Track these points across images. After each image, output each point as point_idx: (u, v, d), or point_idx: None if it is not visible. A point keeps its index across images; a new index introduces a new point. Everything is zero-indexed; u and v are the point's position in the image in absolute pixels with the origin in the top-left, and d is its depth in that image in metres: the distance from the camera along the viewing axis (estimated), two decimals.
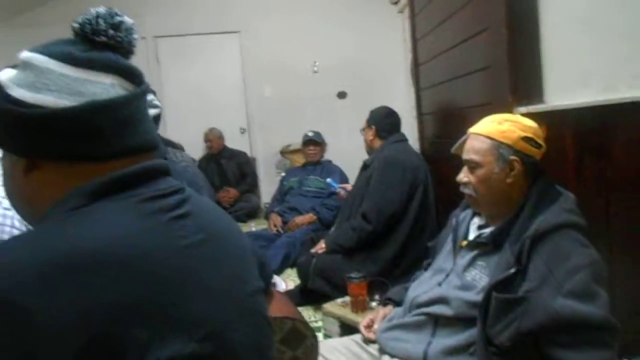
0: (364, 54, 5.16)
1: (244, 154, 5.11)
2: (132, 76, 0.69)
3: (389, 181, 2.52)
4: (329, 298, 2.40)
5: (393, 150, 2.67)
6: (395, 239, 2.51)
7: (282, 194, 4.07)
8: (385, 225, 2.49)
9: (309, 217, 3.67)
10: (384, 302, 1.77)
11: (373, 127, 2.79)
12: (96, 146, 0.64)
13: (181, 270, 0.63)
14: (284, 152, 5.13)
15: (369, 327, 1.63)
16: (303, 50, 5.23)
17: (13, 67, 0.69)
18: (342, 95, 5.30)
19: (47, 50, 0.66)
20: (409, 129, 3.16)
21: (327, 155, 4.15)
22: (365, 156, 2.85)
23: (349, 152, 4.36)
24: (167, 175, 0.71)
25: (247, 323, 0.71)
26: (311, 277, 2.50)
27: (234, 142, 5.19)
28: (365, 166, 2.76)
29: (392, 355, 1.47)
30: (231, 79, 5.31)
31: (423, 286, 1.53)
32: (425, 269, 1.69)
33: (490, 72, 1.92)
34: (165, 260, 0.62)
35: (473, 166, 1.39)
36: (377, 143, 2.77)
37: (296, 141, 4.50)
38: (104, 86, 0.65)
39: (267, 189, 5.28)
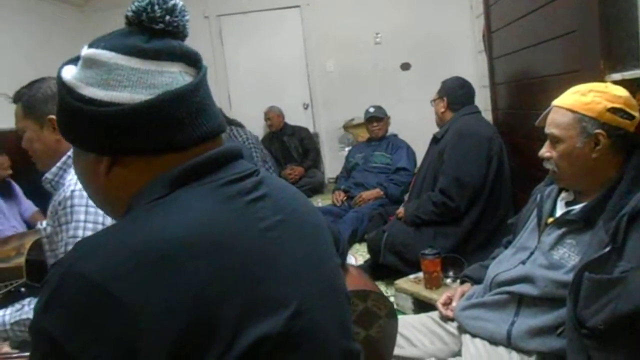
0: (427, 23, 4.97)
1: (306, 129, 5.12)
2: (195, 61, 0.69)
3: (465, 154, 2.44)
4: (399, 273, 2.39)
5: (466, 122, 2.58)
6: (469, 215, 2.44)
7: (347, 170, 4.05)
8: (468, 200, 2.42)
9: (376, 192, 3.64)
10: (461, 280, 1.73)
11: (445, 98, 2.69)
12: (176, 136, 0.65)
13: (264, 252, 0.64)
14: (347, 127, 5.09)
15: (446, 304, 1.61)
16: (365, 22, 5.11)
17: (71, 62, 0.69)
18: (405, 66, 5.15)
19: (111, 45, 0.65)
20: (476, 100, 3.03)
21: (392, 129, 4.07)
22: (434, 128, 2.77)
23: (414, 124, 4.27)
24: (240, 158, 0.71)
25: (329, 300, 0.72)
26: (382, 252, 2.48)
27: (297, 118, 5.21)
28: (436, 139, 2.68)
29: (472, 334, 1.45)
30: (293, 55, 5.30)
31: (504, 264, 1.48)
32: (505, 247, 1.63)
33: (577, 36, 1.79)
34: (247, 243, 0.63)
35: (555, 141, 1.32)
36: (449, 115, 2.68)
37: (359, 115, 4.44)
38: (173, 75, 0.65)
39: (331, 164, 5.29)
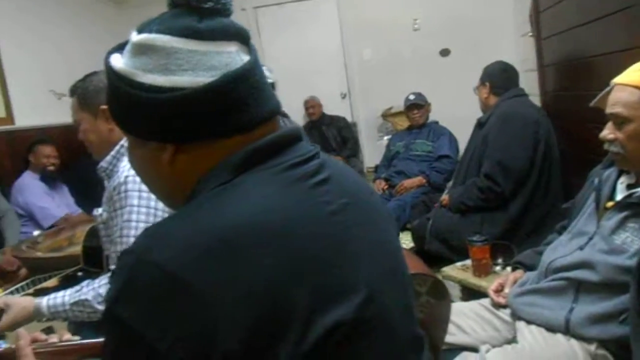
0: (467, 7, 4.84)
1: (343, 118, 5.10)
2: (247, 38, 0.67)
3: (510, 137, 2.38)
4: (445, 261, 2.35)
5: (511, 105, 2.51)
6: (517, 200, 2.37)
7: (388, 159, 4.01)
8: (514, 184, 2.36)
9: (418, 180, 3.60)
10: (513, 267, 1.69)
11: (487, 83, 2.63)
12: (241, 118, 0.63)
13: (331, 237, 0.62)
14: (386, 115, 5.04)
15: (498, 291, 1.57)
16: (402, 8, 5.03)
17: (116, 51, 0.67)
18: (445, 52, 5.05)
19: (165, 28, 0.62)
20: (521, 83, 2.94)
21: (432, 116, 4.00)
22: (475, 115, 2.71)
23: (455, 111, 4.18)
24: (300, 140, 0.69)
25: (396, 285, 0.70)
26: (428, 239, 2.45)
27: (334, 107, 5.19)
28: (480, 124, 2.63)
29: (527, 321, 1.41)
30: (330, 45, 5.28)
31: (560, 250, 1.43)
32: (560, 233, 1.58)
33: (636, 10, 1.70)
34: (315, 228, 0.61)
35: (620, 121, 1.25)
36: (493, 100, 2.61)
37: (398, 103, 4.38)
38: (231, 55, 0.63)
39: (370, 153, 5.25)
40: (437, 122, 3.93)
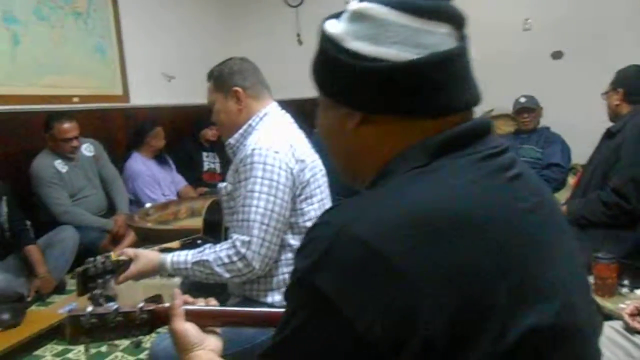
0: (585, 5, 4.52)
1: None
2: (462, 24, 0.65)
3: None
4: None
5: None
6: None
7: None
8: None
9: None
10: None
11: (620, 90, 2.42)
12: (435, 101, 0.62)
13: (528, 235, 0.59)
14: None
15: (633, 315, 1.44)
16: (513, 7, 4.79)
17: (333, 17, 0.68)
18: (557, 55, 4.74)
19: (385, 0, 0.62)
20: None
21: (542, 121, 3.77)
22: (591, 122, 2.50)
23: (567, 118, 3.92)
24: (491, 132, 0.66)
25: (583, 294, 0.65)
26: None
27: None
28: (610, 134, 2.42)
29: None
30: None
31: None
32: None
33: None
34: (513, 223, 0.59)
35: None
36: (625, 108, 2.40)
37: (499, 105, 4.18)
38: (441, 36, 0.62)
39: None
40: (548, 128, 3.70)
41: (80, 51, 3.82)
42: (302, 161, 1.45)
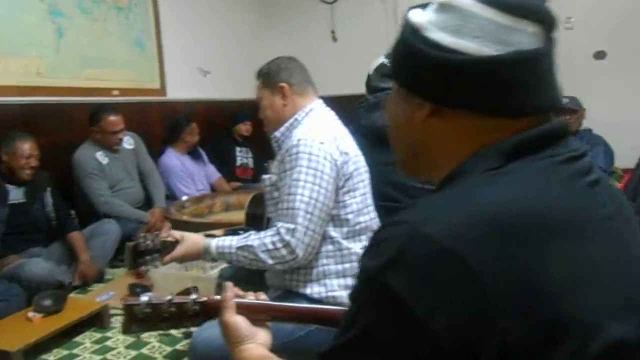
0: (629, 4, 4.36)
1: None
2: (551, 25, 0.62)
3: None
4: None
5: None
6: None
7: None
8: None
9: None
10: None
11: None
12: (511, 100, 0.60)
13: (609, 243, 0.57)
14: None
15: None
16: (555, 5, 4.61)
17: (419, 6, 0.68)
18: (600, 55, 4.60)
19: None
20: None
21: (584, 123, 3.67)
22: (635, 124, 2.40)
23: (609, 120, 3.80)
24: (569, 136, 0.64)
25: None
26: None
27: None
28: None
29: None
30: None
31: None
32: None
33: None
34: (595, 230, 0.57)
35: None
36: None
37: None
38: (527, 35, 0.60)
39: None
40: (590, 130, 3.60)
41: (121, 45, 3.89)
42: (346, 153, 1.47)
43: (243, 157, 4.69)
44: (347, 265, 1.46)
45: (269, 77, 1.60)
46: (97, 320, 2.37)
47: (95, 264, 2.96)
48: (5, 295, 2.26)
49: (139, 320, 0.85)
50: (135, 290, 2.69)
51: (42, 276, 2.54)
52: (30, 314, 2.22)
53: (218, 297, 0.88)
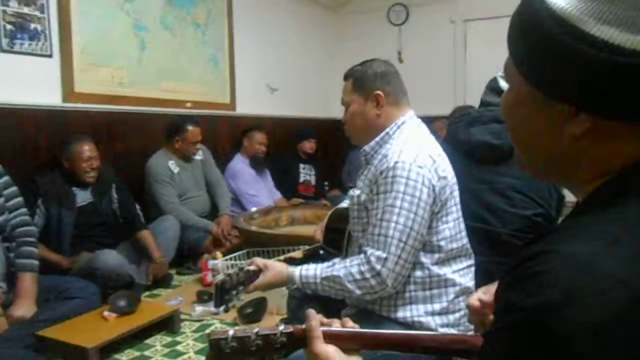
0: None
1: None
2: None
3: None
4: None
5: None
6: None
7: None
8: None
9: None
10: None
11: None
12: None
13: None
14: None
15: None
16: None
17: None
18: None
19: None
20: None
21: None
22: None
23: None
24: None
25: None
26: None
27: None
28: None
29: None
30: None
31: None
32: None
33: None
34: None
35: None
36: None
37: None
38: None
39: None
40: None
41: (196, 59, 4.02)
42: (444, 178, 1.38)
43: (306, 174, 4.69)
44: (435, 292, 1.38)
45: (362, 81, 1.48)
46: (167, 324, 2.38)
47: (166, 263, 3.00)
48: (83, 293, 2.31)
49: (225, 355, 0.82)
50: (203, 297, 2.70)
51: (116, 266, 2.58)
52: (106, 313, 2.26)
53: (302, 326, 0.83)
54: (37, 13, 2.87)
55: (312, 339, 0.79)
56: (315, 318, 0.81)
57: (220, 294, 1.36)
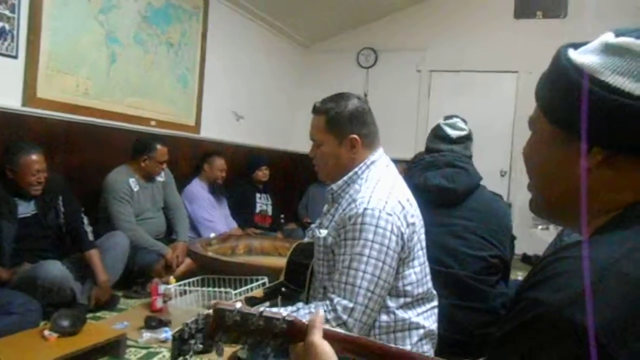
0: None
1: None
2: None
3: None
4: None
5: None
6: None
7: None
8: None
9: None
10: None
11: None
12: None
13: None
14: None
15: None
16: None
17: (571, 46, 0.65)
18: None
19: None
20: None
21: None
22: None
23: None
24: None
25: None
26: None
27: (492, 184, 4.98)
28: None
29: None
30: (500, 119, 5.18)
31: None
32: None
33: None
34: None
35: None
36: None
37: None
38: None
39: (520, 241, 4.92)
40: None
41: (166, 79, 3.97)
42: (413, 224, 1.37)
43: (263, 204, 4.65)
44: (399, 335, 1.37)
45: (337, 123, 1.43)
46: (112, 349, 2.24)
47: (109, 287, 2.85)
48: (22, 309, 2.15)
49: (226, 327, 0.79)
50: (151, 323, 2.57)
51: (59, 278, 2.42)
52: (47, 333, 2.10)
53: (304, 320, 0.82)
54: (6, 12, 2.77)
55: (313, 329, 0.79)
56: (320, 314, 0.82)
57: (178, 345, 1.28)
